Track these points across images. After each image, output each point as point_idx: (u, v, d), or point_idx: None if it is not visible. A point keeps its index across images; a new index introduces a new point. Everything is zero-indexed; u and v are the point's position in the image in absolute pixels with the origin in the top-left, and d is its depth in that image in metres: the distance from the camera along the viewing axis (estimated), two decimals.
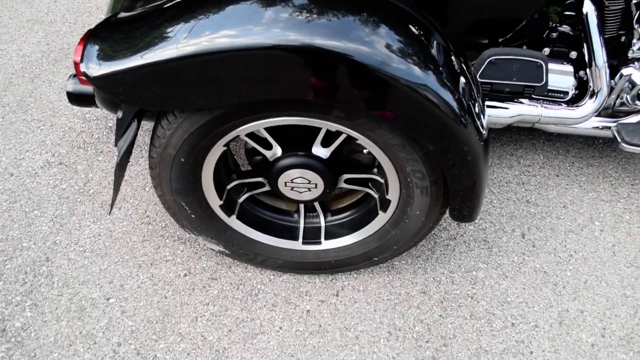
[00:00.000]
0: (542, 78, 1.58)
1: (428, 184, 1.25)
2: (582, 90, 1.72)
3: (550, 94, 1.72)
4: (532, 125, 1.74)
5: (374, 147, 1.22)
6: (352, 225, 1.53)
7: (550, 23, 1.66)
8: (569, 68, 1.69)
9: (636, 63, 1.66)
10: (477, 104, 1.20)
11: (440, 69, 1.11)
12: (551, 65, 1.69)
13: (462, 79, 1.17)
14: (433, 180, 1.25)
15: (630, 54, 1.66)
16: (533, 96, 1.66)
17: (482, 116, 1.21)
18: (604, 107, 1.75)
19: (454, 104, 1.10)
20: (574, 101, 1.74)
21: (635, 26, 1.55)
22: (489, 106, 1.69)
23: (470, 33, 1.56)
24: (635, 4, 1.55)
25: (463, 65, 1.22)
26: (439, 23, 1.32)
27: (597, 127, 1.75)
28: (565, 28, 1.67)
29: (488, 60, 1.53)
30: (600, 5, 1.58)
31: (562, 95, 1.72)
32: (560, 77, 1.70)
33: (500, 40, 1.60)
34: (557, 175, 1.93)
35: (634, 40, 1.64)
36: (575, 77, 1.71)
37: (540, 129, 1.77)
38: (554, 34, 1.69)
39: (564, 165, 1.97)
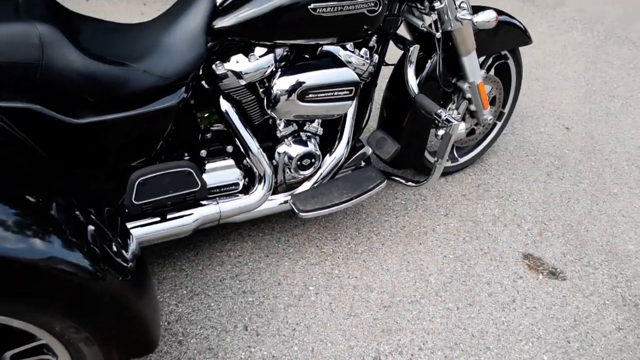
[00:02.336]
0: (197, 183, 1.64)
1: (87, 334, 1.16)
2: (253, 176, 1.83)
3: (222, 189, 1.80)
4: (218, 222, 1.79)
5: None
6: None
7: (202, 126, 1.75)
8: (229, 162, 1.79)
9: (286, 140, 1.83)
10: (113, 244, 1.16)
11: (63, 228, 1.06)
12: (210, 165, 1.78)
13: (91, 227, 1.12)
14: (90, 329, 1.16)
15: (278, 134, 1.82)
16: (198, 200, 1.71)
17: (124, 250, 1.18)
18: (279, 184, 1.89)
19: (84, 262, 1.05)
20: (249, 188, 1.84)
21: (268, 111, 1.71)
22: (169, 219, 1.69)
23: (113, 161, 1.55)
24: (263, 91, 1.71)
25: (91, 209, 1.18)
26: (66, 162, 1.28)
27: (278, 204, 1.88)
28: (217, 127, 1.77)
29: (137, 183, 1.54)
30: (236, 101, 1.72)
31: (233, 187, 1.81)
32: (223, 172, 1.79)
33: (152, 155, 1.63)
34: (267, 256, 2.01)
35: (278, 122, 1.81)
36: (240, 168, 1.82)
37: (229, 222, 1.83)
38: (208, 135, 1.78)
39: (272, 244, 2.06)
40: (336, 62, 1.70)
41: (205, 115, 1.74)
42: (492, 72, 2.35)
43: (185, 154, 1.75)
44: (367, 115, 2.00)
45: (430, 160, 2.27)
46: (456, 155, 2.45)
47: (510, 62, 2.33)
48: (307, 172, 1.87)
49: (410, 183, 2.02)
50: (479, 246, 2.15)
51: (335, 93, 1.69)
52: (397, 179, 2.08)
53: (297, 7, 1.55)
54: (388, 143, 1.84)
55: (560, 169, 2.65)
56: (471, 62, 2.03)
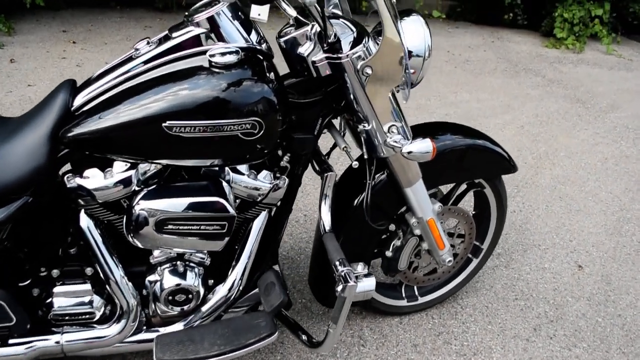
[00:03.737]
0: (10, 317, 1.35)
1: None
2: (115, 306, 1.52)
3: (72, 318, 1.49)
4: (64, 354, 1.48)
5: None
6: None
7: (59, 242, 1.48)
8: (86, 287, 1.49)
9: (159, 268, 1.51)
10: None
11: None
12: (61, 288, 1.49)
13: None
14: None
15: (152, 259, 1.51)
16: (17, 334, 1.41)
17: None
18: (152, 315, 1.56)
19: None
20: (110, 319, 1.52)
21: (128, 237, 1.40)
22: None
23: None
24: (126, 210, 1.42)
25: None
26: None
27: (141, 342, 1.54)
28: (73, 249, 1.49)
29: None
30: (98, 218, 1.43)
31: (87, 316, 1.50)
32: (77, 298, 1.49)
33: None
34: None
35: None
36: (101, 294, 1.51)
37: (73, 356, 1.51)
38: (65, 252, 1.49)
39: None
40: (210, 190, 1.37)
41: (63, 230, 1.46)
42: (468, 199, 1.93)
43: (31, 274, 1.47)
44: (276, 243, 1.64)
45: None
46: (416, 292, 2.02)
47: (488, 191, 1.91)
48: (184, 308, 1.53)
49: (304, 343, 1.60)
50: None
51: (202, 227, 1.36)
52: (294, 332, 1.68)
53: (150, 124, 1.25)
54: (275, 292, 1.46)
55: (554, 322, 2.13)
56: (416, 195, 1.64)
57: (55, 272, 1.48)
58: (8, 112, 3.27)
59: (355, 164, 1.50)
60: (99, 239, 1.44)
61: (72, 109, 1.32)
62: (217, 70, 1.26)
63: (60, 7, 4.96)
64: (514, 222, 2.71)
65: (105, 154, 1.32)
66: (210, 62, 1.25)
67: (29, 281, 1.49)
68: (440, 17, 5.81)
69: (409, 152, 1.39)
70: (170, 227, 1.35)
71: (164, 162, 1.33)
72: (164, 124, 1.24)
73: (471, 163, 1.76)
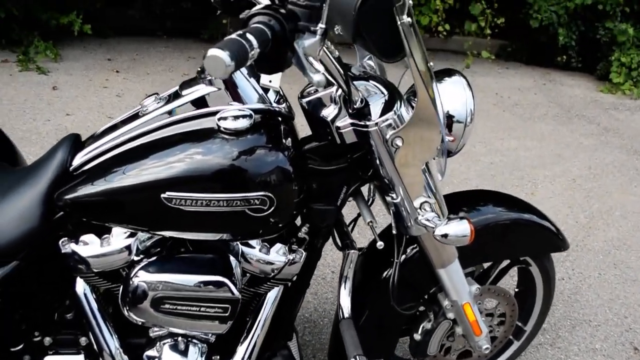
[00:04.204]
0: None
1: None
2: None
3: None
4: None
5: None
6: None
7: (51, 309, 1.36)
8: (79, 358, 1.36)
9: (159, 343, 1.37)
10: None
11: None
12: (53, 358, 1.36)
13: None
14: None
15: (151, 333, 1.37)
16: None
17: None
18: None
19: None
20: None
21: (124, 311, 1.27)
22: None
23: None
24: (123, 280, 1.29)
25: None
26: None
27: None
28: (70, 314, 1.37)
29: None
30: (94, 286, 1.31)
31: None
32: None
33: None
34: None
35: None
36: None
37: None
38: (64, 317, 1.37)
39: None
40: (213, 266, 1.22)
41: (60, 293, 1.34)
42: (512, 276, 1.72)
43: (24, 339, 1.35)
44: (291, 318, 1.48)
45: None
46: None
47: (534, 269, 1.69)
48: None
49: None
50: None
51: (202, 309, 1.21)
52: None
53: (148, 194, 1.12)
54: None
55: None
56: (451, 276, 1.44)
57: (47, 340, 1.36)
58: (44, 142, 3.26)
59: (380, 245, 1.32)
60: (95, 306, 1.32)
61: (71, 168, 1.21)
62: (226, 136, 1.12)
63: (107, 34, 5.02)
64: (562, 291, 2.46)
65: (102, 222, 1.19)
66: (218, 126, 1.12)
67: (21, 346, 1.37)
68: (490, 57, 5.60)
69: (444, 236, 1.21)
70: (167, 306, 1.20)
71: (165, 234, 1.20)
72: (162, 195, 1.10)
73: (516, 240, 1.56)
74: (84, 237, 1.23)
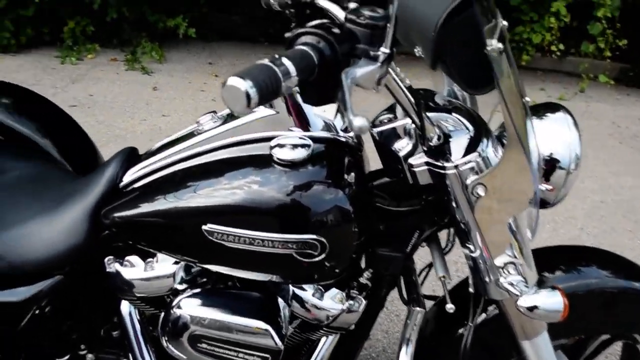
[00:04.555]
0: None
1: None
2: None
3: None
4: None
5: None
6: None
7: (96, 326, 1.31)
8: None
9: None
10: None
11: None
12: None
13: None
14: None
15: None
16: None
17: None
18: None
19: None
20: None
21: (163, 340, 1.18)
22: None
23: None
24: (165, 308, 1.20)
25: None
26: None
27: None
28: (116, 332, 1.31)
29: None
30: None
31: None
32: None
33: None
34: None
35: None
36: None
37: None
38: (110, 334, 1.32)
39: None
40: (258, 309, 1.09)
41: (104, 312, 1.29)
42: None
43: (70, 350, 1.31)
44: None
45: None
46: None
47: None
48: None
49: None
50: None
51: (240, 355, 1.08)
52: None
53: (189, 224, 1.02)
54: None
55: None
56: (537, 351, 1.21)
57: (90, 357, 1.31)
58: (137, 141, 3.34)
59: (451, 308, 1.12)
60: (138, 329, 1.26)
61: (121, 184, 1.14)
62: (278, 167, 0.99)
63: (211, 39, 5.14)
64: None
65: (143, 246, 1.11)
66: (271, 155, 0.99)
67: (66, 358, 1.34)
68: (608, 82, 5.08)
69: (530, 309, 1.00)
70: (205, 345, 1.09)
71: (208, 267, 1.09)
72: (204, 227, 0.99)
73: (623, 312, 1.30)
74: (129, 258, 1.16)
